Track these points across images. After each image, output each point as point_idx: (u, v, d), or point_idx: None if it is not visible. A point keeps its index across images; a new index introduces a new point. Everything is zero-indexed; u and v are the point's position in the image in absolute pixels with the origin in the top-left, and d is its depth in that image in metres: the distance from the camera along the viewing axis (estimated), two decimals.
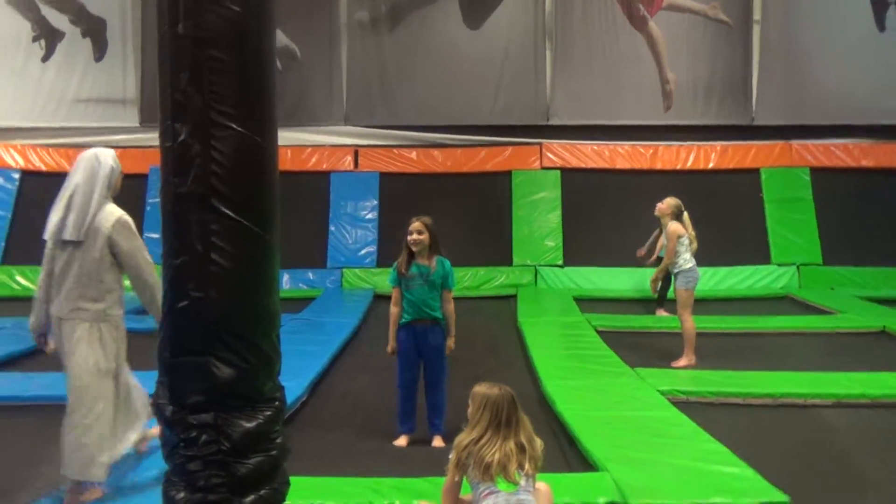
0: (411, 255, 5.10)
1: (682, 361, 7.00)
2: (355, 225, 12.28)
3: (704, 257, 7.48)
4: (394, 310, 5.21)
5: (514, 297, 10.83)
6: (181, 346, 2.61)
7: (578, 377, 6.25)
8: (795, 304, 10.56)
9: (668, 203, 7.27)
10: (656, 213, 7.43)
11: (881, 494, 4.27)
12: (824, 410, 5.71)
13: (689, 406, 5.67)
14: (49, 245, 4.35)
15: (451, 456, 3.47)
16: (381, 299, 10.74)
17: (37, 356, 7.56)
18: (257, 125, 2.64)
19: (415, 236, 5.05)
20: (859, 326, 8.69)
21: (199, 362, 2.59)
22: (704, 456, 4.41)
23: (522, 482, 3.34)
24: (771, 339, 8.43)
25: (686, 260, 7.05)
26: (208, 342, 2.59)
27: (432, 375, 5.19)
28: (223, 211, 2.56)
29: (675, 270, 7.14)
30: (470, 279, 11.50)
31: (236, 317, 2.61)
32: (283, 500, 2.82)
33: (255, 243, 2.63)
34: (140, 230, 13.16)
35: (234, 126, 2.58)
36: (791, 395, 5.86)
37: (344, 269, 11.92)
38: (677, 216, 7.18)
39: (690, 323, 7.08)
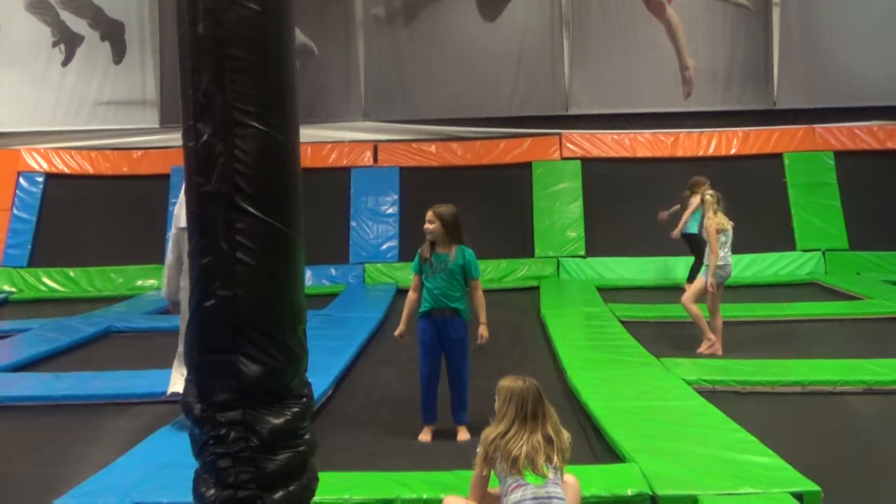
0: (430, 243, 5.14)
1: (704, 345, 7.02)
2: (376, 220, 12.30)
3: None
4: (412, 295, 5.22)
5: (536, 288, 10.81)
6: (209, 344, 2.63)
7: (603, 368, 6.23)
8: (822, 290, 10.46)
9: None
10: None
11: None
12: (854, 398, 5.64)
13: (716, 395, 5.63)
14: (176, 232, 5.23)
15: (478, 450, 3.47)
16: (403, 294, 10.66)
17: (65, 356, 7.66)
18: (279, 123, 2.64)
19: (426, 226, 5.10)
20: (888, 311, 8.59)
21: (226, 360, 2.61)
22: (733, 445, 4.38)
23: (551, 475, 3.33)
24: (798, 325, 8.35)
25: (719, 257, 6.97)
26: (236, 340, 2.60)
27: (454, 367, 5.18)
28: (248, 209, 2.57)
29: (707, 263, 7.09)
30: (492, 271, 11.48)
31: (263, 314, 2.62)
32: (313, 496, 2.84)
33: (280, 241, 2.64)
34: (164, 230, 13.25)
35: (257, 125, 2.59)
36: (820, 383, 5.80)
37: (366, 265, 11.95)
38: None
39: (694, 309, 7.13)
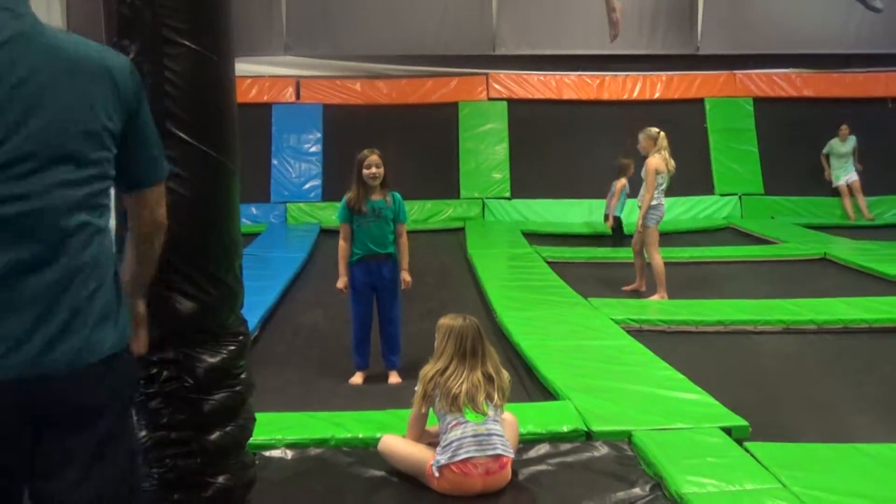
0: (364, 191, 4.97)
1: (655, 298, 6.87)
2: (299, 158, 12.00)
3: None
4: (343, 244, 5.06)
5: (461, 229, 10.77)
6: None
7: (533, 308, 6.25)
8: (737, 234, 10.73)
9: (642, 139, 7.00)
10: (642, 152, 7.10)
11: (834, 416, 4.38)
12: (774, 337, 5.81)
13: (643, 334, 5.71)
14: None
15: (417, 388, 3.42)
16: (327, 234, 10.56)
17: None
18: (212, 42, 2.47)
19: (373, 170, 4.91)
20: (800, 254, 8.88)
21: (158, 296, 2.45)
22: (663, 383, 4.46)
23: (490, 413, 3.31)
24: (716, 268, 8.56)
25: (655, 197, 6.87)
26: (168, 275, 2.44)
27: (386, 310, 5.11)
28: (179, 135, 2.40)
29: (640, 203, 6.98)
30: (417, 212, 11.37)
31: (197, 248, 2.47)
32: (250, 437, 2.74)
33: (214, 170, 2.49)
34: None
35: (188, 43, 2.40)
36: (742, 322, 5.95)
37: (288, 204, 11.69)
38: (655, 142, 6.91)
39: (659, 260, 6.93)
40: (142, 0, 2.36)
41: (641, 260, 7.27)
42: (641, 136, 7.07)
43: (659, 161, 6.87)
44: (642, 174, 7.05)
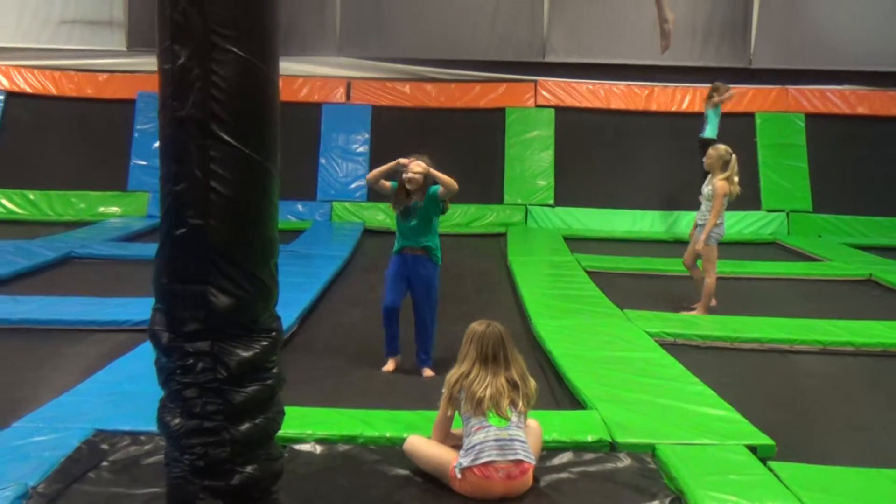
0: (405, 194, 5.10)
1: (694, 313, 6.80)
2: (346, 158, 12.16)
3: (695, 202, 7.44)
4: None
5: (503, 235, 10.82)
6: (179, 273, 2.59)
7: (568, 317, 6.27)
8: (783, 251, 10.61)
9: (712, 155, 6.84)
10: (706, 167, 6.97)
11: (866, 440, 4.34)
12: (810, 357, 5.76)
13: (677, 348, 5.71)
14: None
15: (443, 391, 3.50)
16: (370, 233, 10.71)
17: (23, 280, 7.52)
18: (259, 49, 2.58)
19: (412, 175, 5.06)
20: (846, 274, 8.74)
21: (196, 290, 2.57)
22: (691, 398, 4.46)
23: (514, 418, 3.37)
24: (758, 284, 8.48)
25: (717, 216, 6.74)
26: (206, 270, 2.56)
27: (420, 310, 5.21)
28: (223, 137, 2.51)
29: (702, 223, 6.86)
30: (460, 216, 11.45)
31: (235, 245, 2.58)
32: (278, 429, 2.84)
33: (255, 172, 2.59)
34: (127, 157, 12.91)
35: (236, 50, 2.51)
36: (778, 341, 5.90)
37: (334, 203, 11.86)
38: (725, 164, 6.77)
39: (713, 280, 6.84)
40: (194, 7, 2.47)
41: (698, 272, 7.14)
42: (713, 152, 6.90)
43: (727, 185, 6.77)
44: (704, 192, 6.89)
